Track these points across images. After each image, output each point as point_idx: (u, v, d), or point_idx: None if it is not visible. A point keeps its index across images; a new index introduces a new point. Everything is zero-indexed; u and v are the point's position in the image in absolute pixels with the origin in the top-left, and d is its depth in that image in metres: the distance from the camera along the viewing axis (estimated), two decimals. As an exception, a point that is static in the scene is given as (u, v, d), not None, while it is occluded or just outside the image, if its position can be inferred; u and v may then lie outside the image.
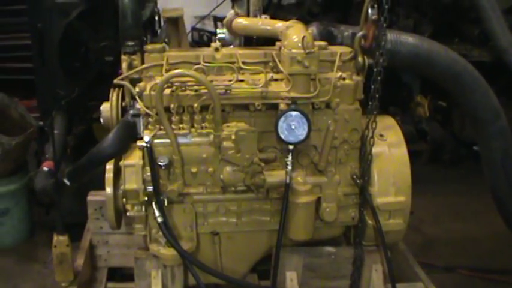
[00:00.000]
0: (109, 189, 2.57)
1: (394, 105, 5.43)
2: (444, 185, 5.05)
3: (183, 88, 2.40)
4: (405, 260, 3.07)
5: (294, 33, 2.39)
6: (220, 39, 2.77)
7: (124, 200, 2.54)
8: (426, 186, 4.77)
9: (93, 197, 3.24)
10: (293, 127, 2.38)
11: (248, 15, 3.33)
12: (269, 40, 2.66)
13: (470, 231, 4.34)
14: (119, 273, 3.39)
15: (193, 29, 6.08)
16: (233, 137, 2.40)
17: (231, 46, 2.83)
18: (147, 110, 2.42)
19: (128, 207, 2.57)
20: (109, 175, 2.58)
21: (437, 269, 3.74)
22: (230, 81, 2.45)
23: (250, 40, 2.83)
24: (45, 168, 3.07)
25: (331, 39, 2.83)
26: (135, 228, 2.66)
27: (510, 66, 4.29)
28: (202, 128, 2.46)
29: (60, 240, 2.82)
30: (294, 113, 2.36)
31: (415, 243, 4.06)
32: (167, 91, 2.42)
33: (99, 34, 3.59)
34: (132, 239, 3.16)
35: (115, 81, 2.53)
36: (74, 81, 3.66)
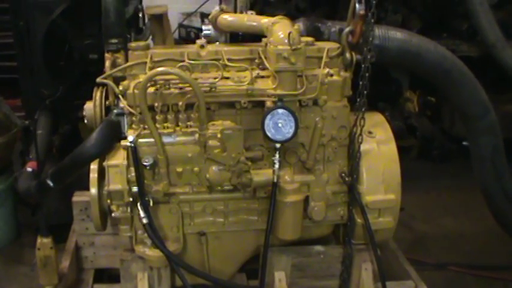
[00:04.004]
0: (94, 190, 2.53)
1: (383, 101, 5.40)
2: (434, 180, 5.02)
3: (167, 86, 2.35)
4: (395, 258, 3.04)
5: (280, 29, 2.34)
6: (205, 36, 2.73)
7: (109, 201, 2.49)
8: (416, 182, 4.75)
9: (78, 197, 3.19)
10: (280, 125, 2.33)
11: (235, 12, 3.28)
12: (256, 36, 2.62)
13: (461, 227, 4.31)
14: (106, 275, 3.34)
15: (181, 25, 6.01)
16: (218, 135, 2.36)
17: (217, 43, 2.78)
18: (130, 109, 2.37)
19: (113, 208, 2.52)
20: (93, 175, 2.53)
21: (428, 266, 3.71)
22: (215, 78, 2.40)
23: (236, 37, 2.78)
24: (29, 169, 3.00)
25: (318, 35, 2.80)
26: (121, 230, 2.60)
27: (498, 61, 4.28)
28: (187, 126, 2.41)
29: (44, 242, 2.78)
30: (280, 110, 2.31)
31: (405, 240, 4.03)
32: (151, 89, 2.37)
33: (83, 32, 3.52)
34: (119, 240, 3.09)
35: (98, 79, 2.47)
36: (58, 80, 3.59)
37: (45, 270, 2.81)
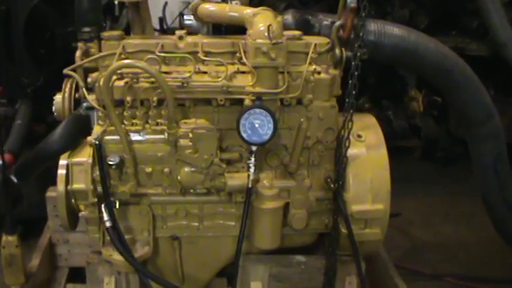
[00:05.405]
0: (61, 187, 2.35)
1: (387, 99, 5.21)
2: (436, 184, 4.80)
3: (135, 80, 2.17)
4: (385, 269, 2.85)
5: (261, 21, 2.15)
6: (187, 26, 2.54)
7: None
8: (417, 186, 4.58)
9: (52, 192, 3.02)
10: (257, 126, 2.14)
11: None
12: (242, 28, 2.42)
13: (462, 235, 4.11)
14: (83, 272, 3.18)
15: (181, 14, 5.82)
16: (190, 135, 2.18)
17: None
18: (93, 104, 2.19)
19: (81, 207, 2.36)
20: (61, 172, 2.36)
21: (424, 277, 3.53)
22: (189, 72, 2.21)
23: (219, 28, 2.59)
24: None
25: (308, 29, 2.60)
26: (89, 230, 2.44)
27: (509, 61, 4.07)
28: (157, 124, 2.23)
29: (9, 240, 2.63)
30: (257, 110, 2.13)
31: (401, 247, 3.85)
32: (120, 83, 2.19)
33: (65, 19, 3.35)
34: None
35: (65, 70, 2.29)
36: (40, 68, 3.43)
37: (10, 269, 2.66)
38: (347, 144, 2.34)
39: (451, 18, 4.88)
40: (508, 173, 3.10)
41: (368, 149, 2.45)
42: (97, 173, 2.23)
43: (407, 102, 5.32)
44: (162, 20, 4.78)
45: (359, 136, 2.46)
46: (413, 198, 4.41)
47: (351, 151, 2.37)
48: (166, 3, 4.60)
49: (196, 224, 2.44)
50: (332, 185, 2.40)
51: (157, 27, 4.69)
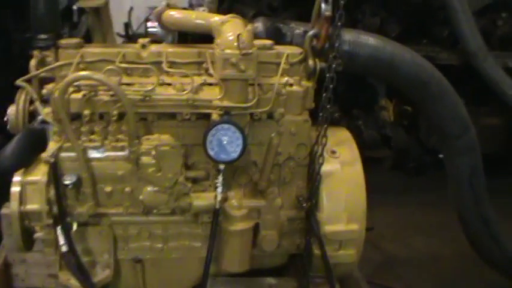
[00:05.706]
0: (15, 206, 2.18)
1: (358, 108, 5.11)
2: (407, 195, 4.74)
3: (93, 92, 2.01)
4: (358, 288, 2.74)
5: (230, 30, 2.01)
6: (151, 34, 2.40)
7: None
8: (388, 197, 4.50)
9: (7, 209, 2.84)
10: (225, 142, 2.00)
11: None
12: (209, 37, 2.29)
13: (434, 249, 4.04)
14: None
15: (147, 20, 5.67)
16: (153, 152, 2.03)
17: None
18: (46, 118, 2.03)
19: (36, 228, 2.19)
20: (15, 189, 2.19)
21: (396, 293, 3.45)
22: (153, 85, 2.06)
23: (185, 36, 2.45)
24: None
25: (279, 38, 2.47)
26: (45, 252, 2.27)
27: (479, 71, 4.02)
28: (117, 140, 2.07)
29: (-43, 263, 2.44)
30: (225, 125, 1.99)
31: (372, 262, 3.77)
32: (77, 95, 2.03)
33: (24, 23, 3.17)
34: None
35: (17, 81, 2.12)
36: (-5, 75, 3.25)
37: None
38: (321, 160, 2.22)
39: (422, 27, 4.82)
40: (483, 187, 3.01)
41: (343, 165, 2.33)
42: (52, 192, 2.07)
43: (377, 112, 5.24)
44: (127, 25, 4.62)
45: (333, 152, 2.34)
46: (385, 209, 4.33)
47: (325, 168, 2.25)
48: (131, 8, 4.44)
49: (160, 245, 2.29)
50: (304, 204, 2.27)
51: (123, 32, 4.54)
